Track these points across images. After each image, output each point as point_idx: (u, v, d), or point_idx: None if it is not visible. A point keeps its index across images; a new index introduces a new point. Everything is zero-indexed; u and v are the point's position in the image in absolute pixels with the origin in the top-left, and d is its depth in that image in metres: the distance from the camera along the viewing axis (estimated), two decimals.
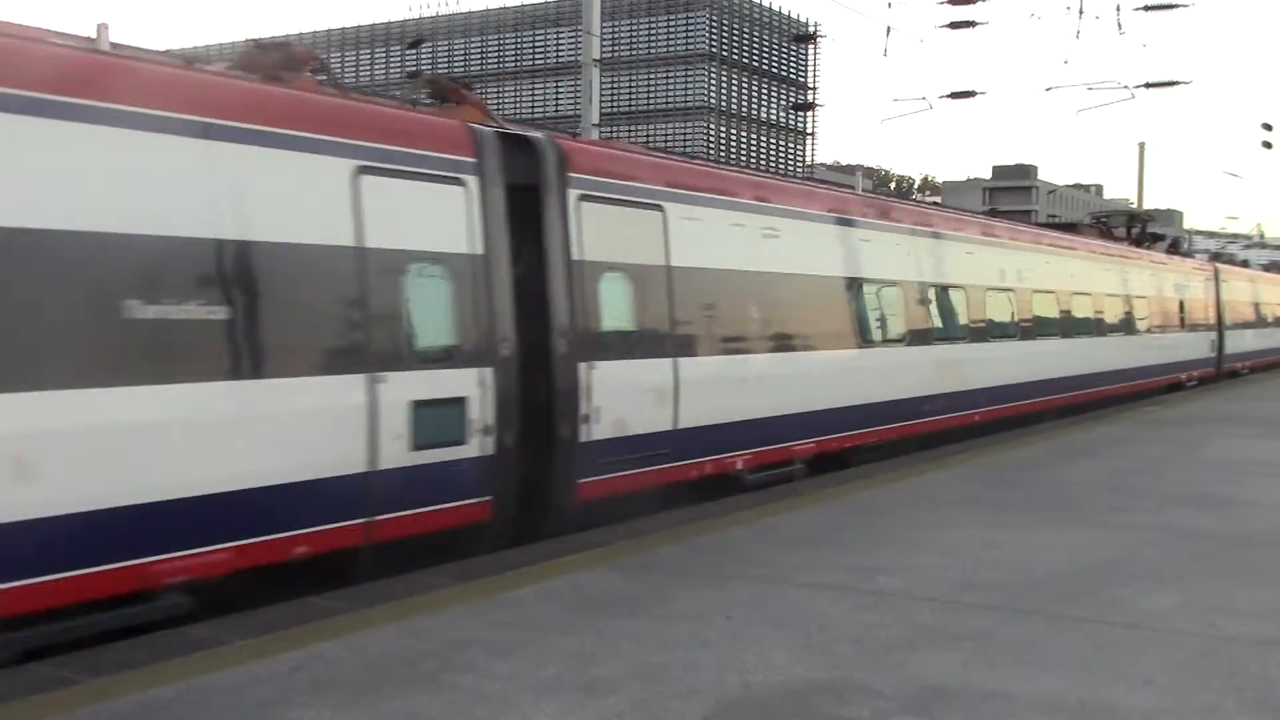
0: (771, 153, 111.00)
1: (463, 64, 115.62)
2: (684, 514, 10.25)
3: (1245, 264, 48.25)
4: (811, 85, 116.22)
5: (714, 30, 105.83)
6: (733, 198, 12.32)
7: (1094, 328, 21.88)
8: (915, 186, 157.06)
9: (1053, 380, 19.61)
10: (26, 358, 6.33)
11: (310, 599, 7.30)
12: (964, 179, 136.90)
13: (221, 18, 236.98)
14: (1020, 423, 18.12)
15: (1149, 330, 25.06)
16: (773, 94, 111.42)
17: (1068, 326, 20.59)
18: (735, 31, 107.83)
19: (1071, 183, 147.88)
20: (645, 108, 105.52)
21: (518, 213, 9.49)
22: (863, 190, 18.74)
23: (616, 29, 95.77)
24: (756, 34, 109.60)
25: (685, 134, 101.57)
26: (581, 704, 5.31)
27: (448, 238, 8.90)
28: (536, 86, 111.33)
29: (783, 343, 12.63)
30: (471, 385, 8.84)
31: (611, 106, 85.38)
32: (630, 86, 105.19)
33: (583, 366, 9.80)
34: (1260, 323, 37.07)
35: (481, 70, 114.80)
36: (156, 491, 6.80)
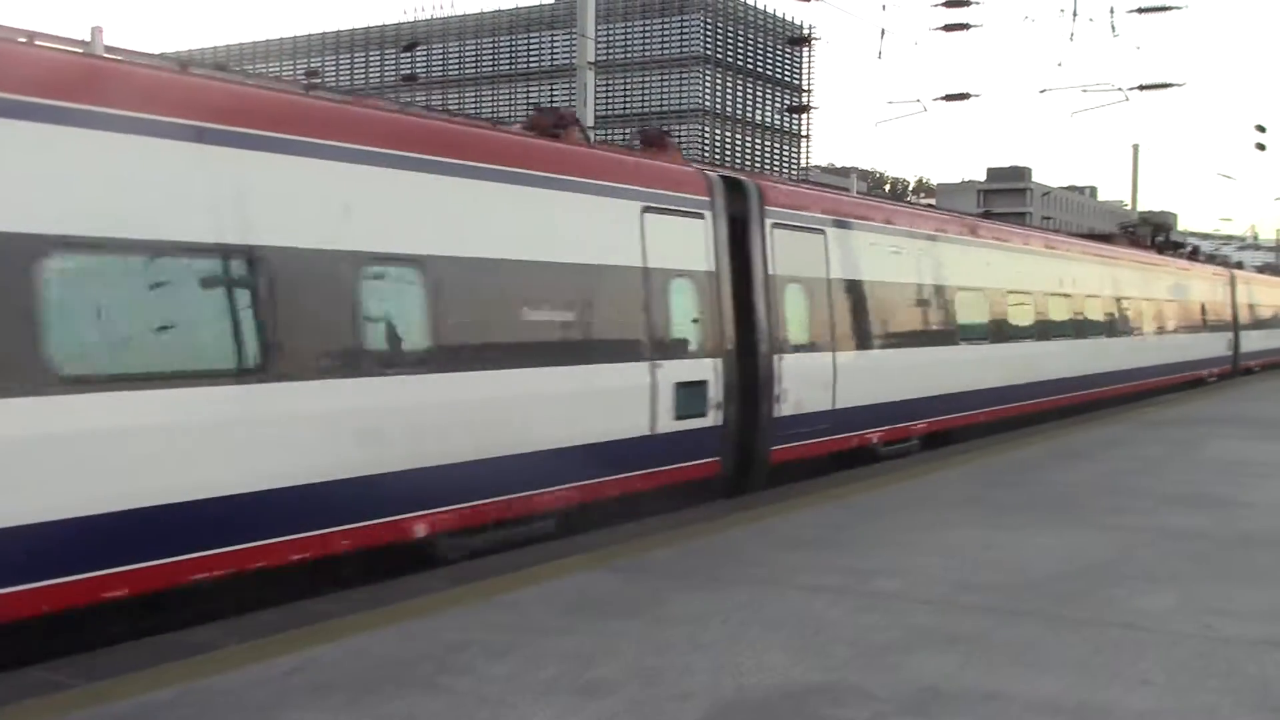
0: (766, 155, 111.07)
1: (457, 67, 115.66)
2: (681, 516, 10.26)
3: (1263, 269, 50.03)
4: (806, 88, 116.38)
5: (708, 33, 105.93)
6: (868, 221, 15.03)
7: (1135, 328, 24.80)
8: (910, 189, 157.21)
9: (1104, 374, 22.30)
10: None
11: (307, 603, 7.30)
12: (958, 181, 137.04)
13: (215, 20, 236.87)
14: (1084, 409, 20.82)
15: (1179, 330, 27.74)
16: (767, 96, 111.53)
17: (1114, 327, 23.56)
18: (729, 34, 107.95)
19: (1066, 185, 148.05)
20: (640, 110, 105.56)
21: (733, 238, 12.17)
22: (857, 192, 19.09)
23: (611, 32, 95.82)
24: (751, 36, 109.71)
25: (680, 136, 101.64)
26: (579, 706, 5.31)
27: (695, 259, 11.60)
28: (531, 89, 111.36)
29: (904, 340, 15.34)
30: (710, 372, 11.48)
31: (606, 109, 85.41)
32: (625, 89, 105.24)
33: (775, 358, 12.45)
34: (1273, 323, 39.27)
35: (476, 73, 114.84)
36: (561, 440, 9.69)
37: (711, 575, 7.90)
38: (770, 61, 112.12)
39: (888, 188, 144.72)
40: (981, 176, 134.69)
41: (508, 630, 6.52)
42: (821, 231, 13.66)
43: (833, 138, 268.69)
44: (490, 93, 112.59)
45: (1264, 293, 39.40)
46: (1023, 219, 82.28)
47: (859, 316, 14.23)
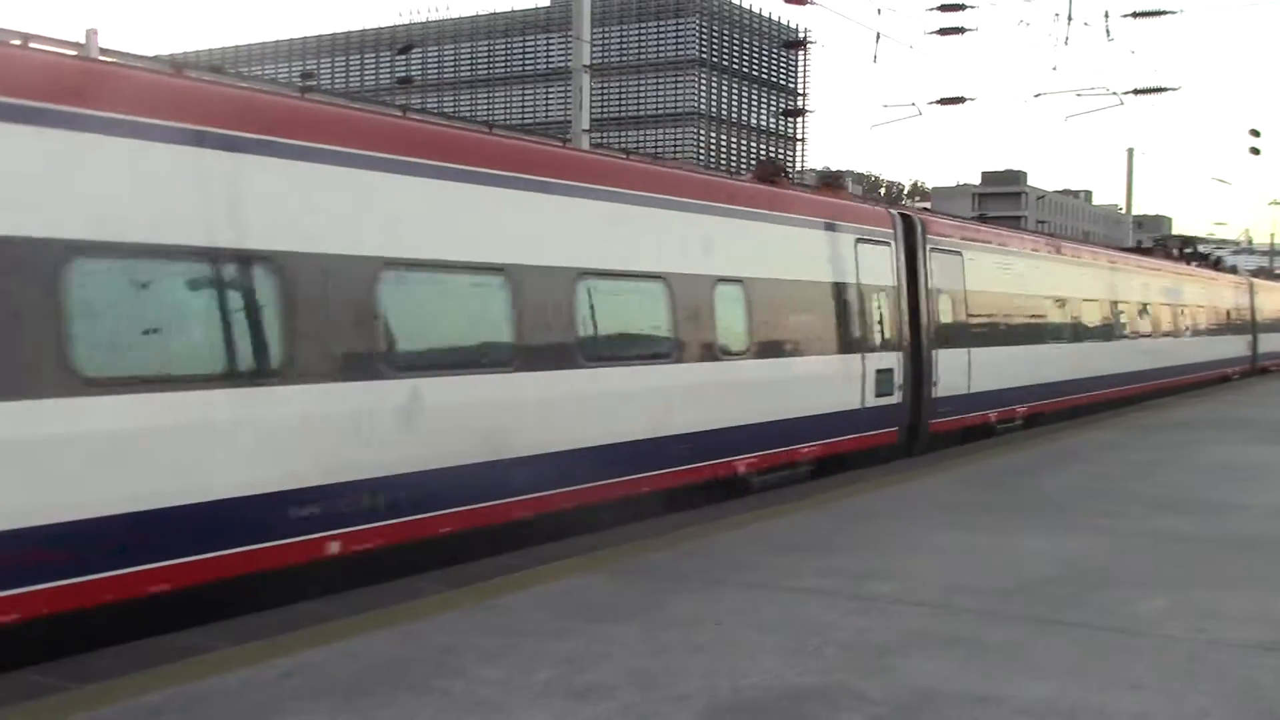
0: (761, 158, 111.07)
1: (452, 70, 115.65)
2: (675, 519, 10.26)
3: (1256, 273, 51.76)
4: (802, 91, 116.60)
5: (704, 36, 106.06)
6: (987, 243, 19.05)
7: (1178, 331, 28.63)
8: (905, 192, 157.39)
9: (1153, 370, 26.06)
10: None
11: (300, 605, 7.30)
12: (954, 185, 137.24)
13: (209, 22, 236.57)
14: (1137, 400, 24.22)
15: (1211, 333, 31.71)
16: (762, 100, 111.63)
17: (1162, 330, 27.42)
18: (725, 37, 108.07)
19: (1060, 188, 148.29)
20: (636, 113, 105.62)
21: (905, 260, 15.90)
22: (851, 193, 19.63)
23: (607, 34, 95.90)
24: (747, 40, 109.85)
25: (675, 139, 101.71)
26: (573, 710, 5.31)
27: (886, 277, 15.33)
28: (527, 92, 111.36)
29: (1013, 339, 18.88)
30: (894, 362, 15.21)
31: (602, 112, 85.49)
32: (621, 92, 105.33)
33: (933, 352, 16.20)
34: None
35: (472, 76, 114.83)
36: (814, 409, 13.42)
37: (706, 578, 7.90)
38: (765, 65, 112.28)
39: (883, 191, 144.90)
40: (976, 180, 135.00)
41: (502, 633, 6.52)
42: (959, 253, 17.51)
43: (828, 141, 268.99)
44: (486, 96, 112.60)
45: (1278, 299, 43.22)
46: (1017, 223, 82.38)
47: (984, 320, 18.09)
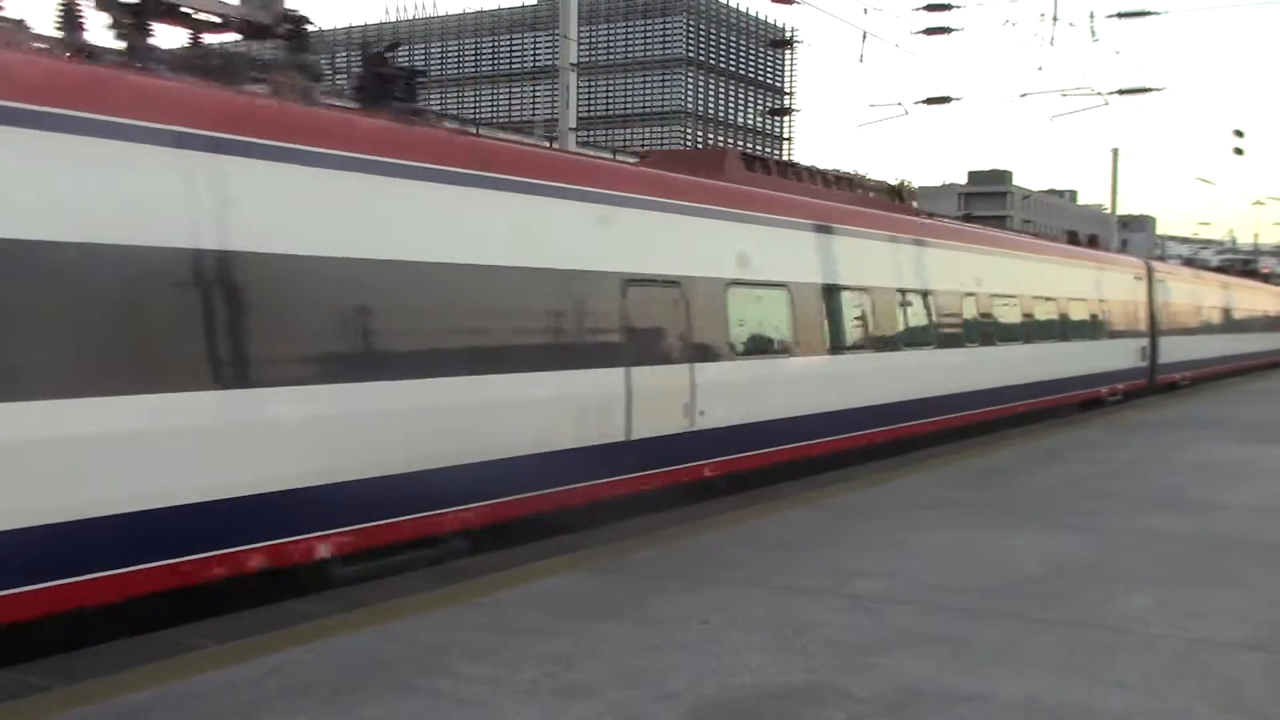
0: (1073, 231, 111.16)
1: (439, 68, 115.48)
2: (663, 518, 10.27)
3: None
4: (788, 90, 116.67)
5: (691, 35, 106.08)
6: (1175, 272, 32.25)
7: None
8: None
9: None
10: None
11: (286, 604, 7.28)
12: (940, 184, 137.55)
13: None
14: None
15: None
16: (750, 99, 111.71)
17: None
18: (712, 36, 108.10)
19: (1046, 188, 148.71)
20: (623, 112, 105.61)
21: (1147, 286, 27.92)
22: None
23: (594, 33, 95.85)
24: (733, 39, 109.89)
25: (662, 138, 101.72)
26: (560, 708, 5.31)
27: (1139, 295, 27.44)
28: (514, 90, 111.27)
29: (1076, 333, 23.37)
30: (1146, 342, 27.34)
31: (589, 110, 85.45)
32: (608, 90, 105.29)
33: (1158, 338, 27.93)
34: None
35: (459, 74, 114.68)
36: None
37: (693, 577, 7.91)
38: (752, 64, 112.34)
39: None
40: (962, 179, 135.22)
41: (488, 632, 6.52)
42: (1164, 282, 29.47)
43: (814, 140, 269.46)
44: (473, 93, 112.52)
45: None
46: (1003, 222, 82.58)
47: (1171, 319, 29.50)
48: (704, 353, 11.73)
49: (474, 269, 9.07)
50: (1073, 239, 29.59)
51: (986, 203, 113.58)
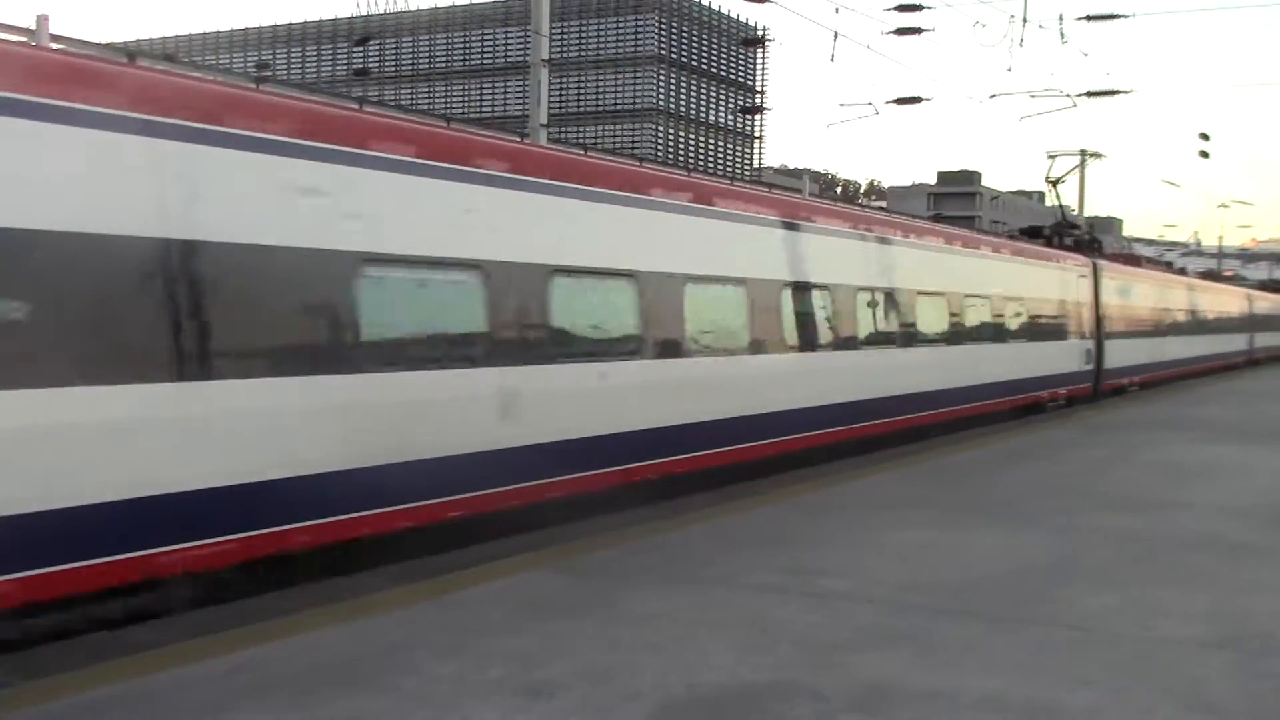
0: (719, 156, 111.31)
1: (410, 62, 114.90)
2: (629, 516, 10.26)
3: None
4: (760, 89, 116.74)
5: (663, 33, 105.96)
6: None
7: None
8: (861, 191, 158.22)
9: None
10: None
11: (251, 600, 7.23)
12: (909, 184, 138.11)
13: (163, 11, 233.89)
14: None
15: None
16: (721, 97, 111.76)
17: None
18: (684, 34, 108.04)
19: (1015, 189, 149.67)
20: (594, 109, 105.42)
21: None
22: (809, 194, 19.63)
23: (566, 29, 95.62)
24: (705, 37, 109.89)
25: (634, 136, 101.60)
26: (525, 706, 5.29)
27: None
28: (485, 86, 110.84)
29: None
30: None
31: (560, 107, 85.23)
32: (579, 87, 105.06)
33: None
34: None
35: (430, 69, 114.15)
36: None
37: (660, 575, 7.90)
38: (724, 62, 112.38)
39: (839, 189, 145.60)
40: (932, 179, 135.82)
41: (455, 630, 6.49)
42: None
43: (786, 139, 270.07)
44: (444, 88, 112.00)
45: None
46: (971, 223, 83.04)
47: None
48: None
49: None
50: (1032, 233, 29.22)
51: (956, 203, 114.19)
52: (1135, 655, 6.23)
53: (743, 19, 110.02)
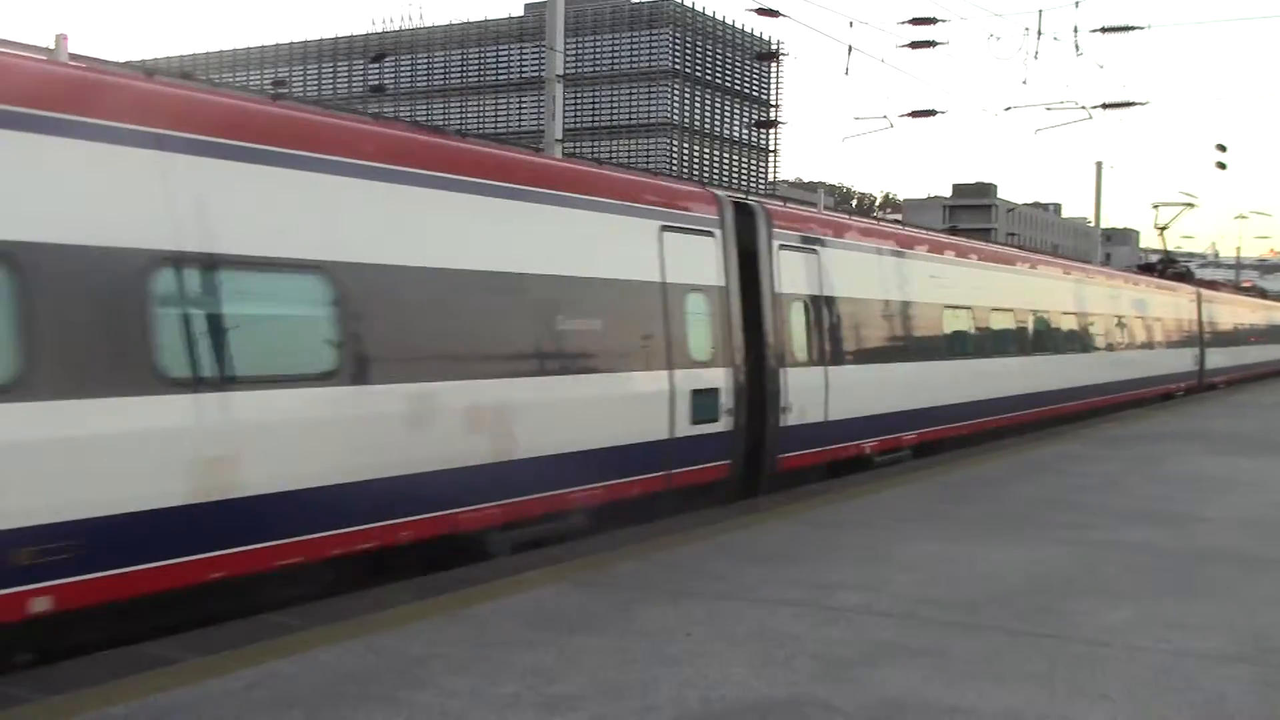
0: (734, 170, 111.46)
1: (425, 79, 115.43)
2: (643, 530, 10.25)
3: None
4: (774, 102, 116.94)
5: (677, 47, 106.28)
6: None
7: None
8: (876, 204, 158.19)
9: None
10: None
11: (267, 616, 7.24)
12: (925, 196, 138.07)
13: (181, 28, 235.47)
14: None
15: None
16: (736, 111, 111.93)
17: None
18: (699, 48, 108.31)
19: (1030, 201, 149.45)
20: (609, 123, 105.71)
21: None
22: (823, 207, 19.16)
23: (580, 45, 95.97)
24: (720, 51, 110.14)
25: (648, 150, 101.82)
26: None
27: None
28: (500, 101, 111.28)
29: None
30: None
31: (575, 122, 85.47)
32: (594, 102, 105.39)
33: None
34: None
35: (445, 85, 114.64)
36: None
37: (675, 589, 7.90)
38: (739, 76, 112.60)
39: (854, 203, 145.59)
40: (947, 192, 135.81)
41: (470, 644, 6.49)
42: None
43: (801, 153, 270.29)
44: (459, 105, 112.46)
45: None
46: (987, 235, 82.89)
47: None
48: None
49: None
50: (1146, 269, 38.90)
51: (971, 215, 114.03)
52: (1154, 669, 6.19)
53: (757, 33, 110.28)
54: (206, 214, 7.44)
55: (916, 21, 23.60)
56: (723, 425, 11.96)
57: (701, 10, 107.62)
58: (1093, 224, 55.09)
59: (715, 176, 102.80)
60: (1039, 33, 23.12)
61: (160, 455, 6.97)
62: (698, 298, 11.85)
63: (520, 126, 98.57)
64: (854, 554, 9.20)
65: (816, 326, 13.91)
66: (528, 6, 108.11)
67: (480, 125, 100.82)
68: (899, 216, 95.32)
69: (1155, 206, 43.66)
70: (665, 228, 11.57)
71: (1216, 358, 36.98)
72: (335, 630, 6.78)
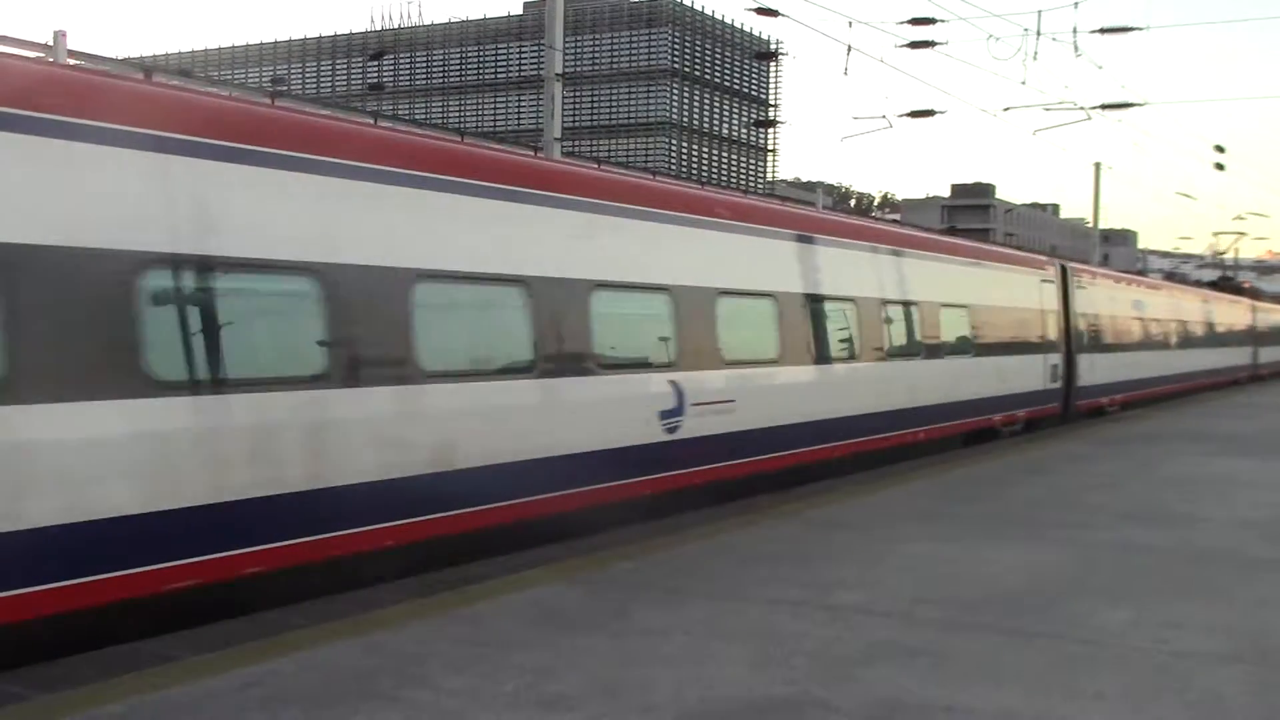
0: (733, 169, 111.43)
1: (424, 77, 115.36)
2: (641, 529, 10.25)
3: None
4: (773, 102, 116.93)
5: (677, 46, 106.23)
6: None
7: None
8: (875, 204, 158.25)
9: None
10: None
11: (264, 614, 7.24)
12: (923, 196, 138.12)
13: (179, 25, 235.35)
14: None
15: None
16: (735, 110, 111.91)
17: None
18: (698, 48, 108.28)
19: (1029, 202, 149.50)
20: (608, 122, 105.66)
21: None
22: (822, 207, 19.83)
23: (579, 43, 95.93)
24: (719, 51, 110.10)
25: (647, 149, 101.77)
26: (540, 719, 5.29)
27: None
28: (499, 100, 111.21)
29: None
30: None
31: (574, 121, 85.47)
32: (593, 101, 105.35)
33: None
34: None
35: (444, 83, 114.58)
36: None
37: (673, 588, 7.90)
38: (738, 76, 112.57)
39: (853, 203, 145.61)
40: (946, 192, 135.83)
41: (468, 643, 6.49)
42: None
43: (799, 152, 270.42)
44: (458, 103, 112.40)
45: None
46: (986, 236, 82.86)
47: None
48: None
49: None
50: (1214, 285, 44.28)
51: (969, 215, 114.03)
52: (1151, 670, 6.19)
53: (756, 33, 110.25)
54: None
55: (916, 22, 23.61)
56: (1058, 385, 22.43)
57: (701, 9, 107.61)
58: (1091, 224, 55.11)
59: (714, 176, 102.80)
60: (1038, 33, 23.13)
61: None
62: (1053, 314, 22.34)
63: (519, 126, 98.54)
64: (853, 554, 9.20)
65: (1088, 329, 24.32)
66: (527, 5, 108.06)
67: (479, 125, 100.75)
68: (897, 216, 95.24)
69: (1215, 235, 53.17)
70: (1248, 309, 34.13)
71: (1268, 355, 43.04)
72: (332, 628, 6.78)
